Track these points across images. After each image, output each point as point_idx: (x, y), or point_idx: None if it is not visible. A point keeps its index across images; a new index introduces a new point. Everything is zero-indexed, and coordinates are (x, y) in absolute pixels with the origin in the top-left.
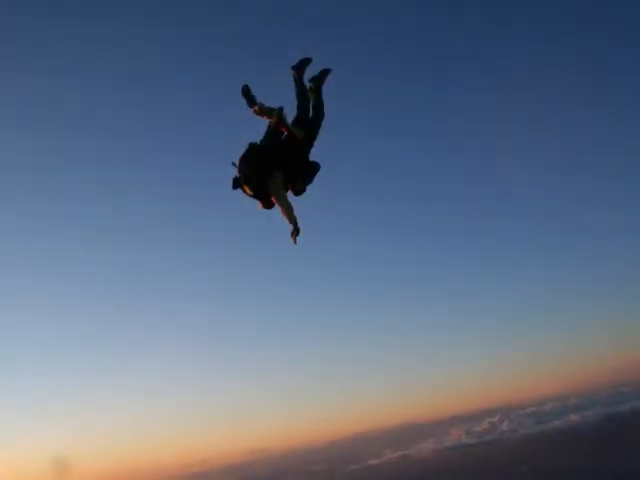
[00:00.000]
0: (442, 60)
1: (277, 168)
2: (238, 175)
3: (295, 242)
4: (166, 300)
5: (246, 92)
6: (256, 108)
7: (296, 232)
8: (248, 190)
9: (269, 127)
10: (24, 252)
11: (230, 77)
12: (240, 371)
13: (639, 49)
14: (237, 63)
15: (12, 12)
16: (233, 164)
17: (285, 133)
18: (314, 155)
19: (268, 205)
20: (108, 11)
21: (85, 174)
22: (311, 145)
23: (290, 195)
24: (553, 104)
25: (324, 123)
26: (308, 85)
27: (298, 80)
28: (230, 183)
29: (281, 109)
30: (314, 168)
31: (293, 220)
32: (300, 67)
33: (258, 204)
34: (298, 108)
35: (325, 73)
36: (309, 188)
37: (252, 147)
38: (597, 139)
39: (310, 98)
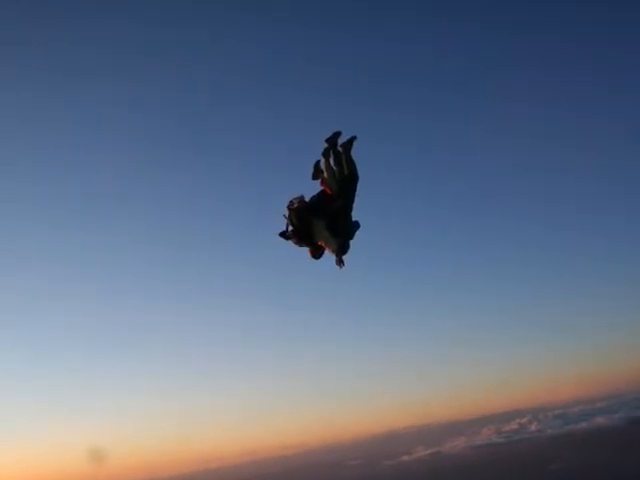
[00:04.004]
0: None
1: (321, 219)
2: (288, 228)
3: (341, 267)
4: (202, 299)
5: (316, 165)
6: (320, 178)
7: (341, 261)
8: (297, 240)
9: (321, 192)
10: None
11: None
12: (280, 367)
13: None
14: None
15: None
16: (284, 216)
17: (330, 194)
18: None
19: (317, 252)
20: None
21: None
22: (351, 207)
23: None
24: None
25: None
26: (340, 150)
27: (333, 149)
28: (277, 231)
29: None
30: (354, 226)
31: (336, 252)
32: (333, 139)
33: (307, 252)
34: (334, 169)
35: (352, 140)
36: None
37: (303, 203)
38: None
39: (343, 162)
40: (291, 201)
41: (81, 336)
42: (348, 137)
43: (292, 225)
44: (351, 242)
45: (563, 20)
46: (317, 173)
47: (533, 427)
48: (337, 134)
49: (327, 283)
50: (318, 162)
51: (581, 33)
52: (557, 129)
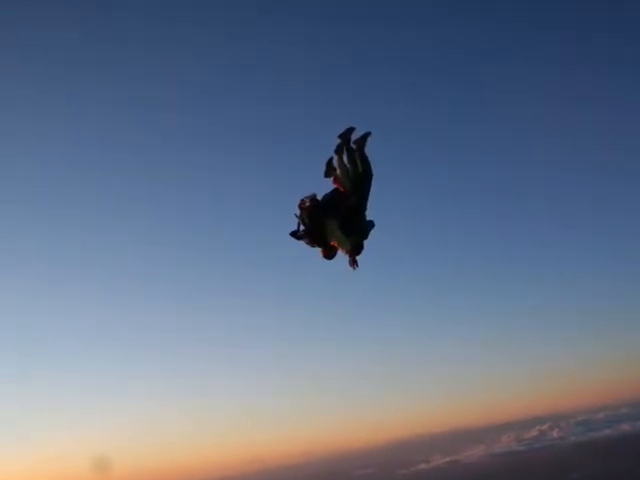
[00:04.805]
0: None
1: (334, 218)
2: (300, 227)
3: (354, 268)
4: (208, 300)
5: (328, 163)
6: (333, 176)
7: (354, 262)
8: (309, 240)
9: (334, 190)
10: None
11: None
12: (288, 372)
13: None
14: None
15: None
16: (296, 216)
17: (343, 193)
18: None
19: (329, 252)
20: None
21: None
22: (365, 205)
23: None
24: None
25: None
26: (353, 147)
27: (346, 145)
28: (289, 232)
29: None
30: (368, 225)
31: (349, 252)
32: (346, 135)
33: (319, 253)
34: (347, 167)
35: (366, 136)
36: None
37: (315, 202)
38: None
39: (357, 159)
40: (303, 200)
41: (81, 337)
42: (362, 133)
43: (304, 225)
44: (365, 242)
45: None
46: (330, 171)
47: (555, 434)
48: (350, 130)
49: (336, 284)
50: (331, 159)
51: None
52: (556, 126)
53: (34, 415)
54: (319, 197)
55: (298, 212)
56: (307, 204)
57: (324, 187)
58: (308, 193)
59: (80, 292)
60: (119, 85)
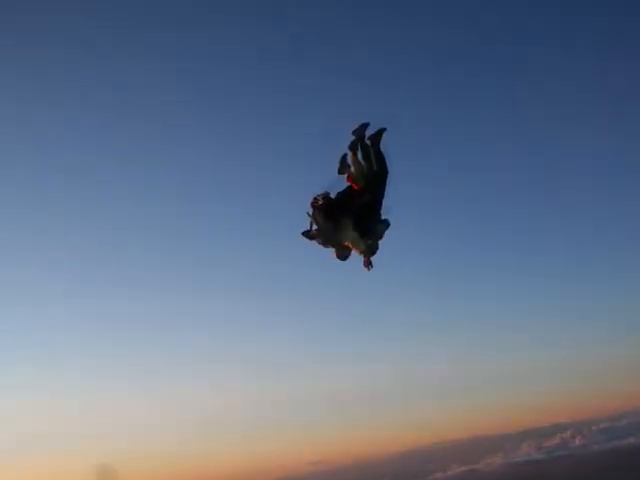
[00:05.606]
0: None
1: (348, 217)
2: (312, 227)
3: (369, 269)
4: (239, 299)
5: (342, 160)
6: (347, 173)
7: (369, 262)
8: (322, 240)
9: (348, 188)
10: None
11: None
12: (294, 376)
13: None
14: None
15: None
16: (308, 214)
17: (357, 190)
18: None
19: (343, 253)
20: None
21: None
22: (380, 204)
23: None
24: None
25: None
26: (368, 143)
27: (360, 141)
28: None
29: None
30: (383, 224)
31: (364, 252)
32: (360, 130)
33: (332, 253)
34: (362, 164)
35: (381, 132)
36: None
37: (328, 200)
38: None
39: (372, 156)
40: (315, 198)
41: (82, 338)
42: (377, 129)
43: (317, 224)
44: (380, 242)
45: None
46: (343, 168)
47: (577, 442)
48: (365, 126)
49: (355, 285)
50: (345, 156)
51: None
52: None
53: (33, 418)
54: (332, 195)
55: (310, 211)
56: (320, 202)
57: (338, 185)
58: (321, 191)
59: (80, 292)
60: (119, 84)
